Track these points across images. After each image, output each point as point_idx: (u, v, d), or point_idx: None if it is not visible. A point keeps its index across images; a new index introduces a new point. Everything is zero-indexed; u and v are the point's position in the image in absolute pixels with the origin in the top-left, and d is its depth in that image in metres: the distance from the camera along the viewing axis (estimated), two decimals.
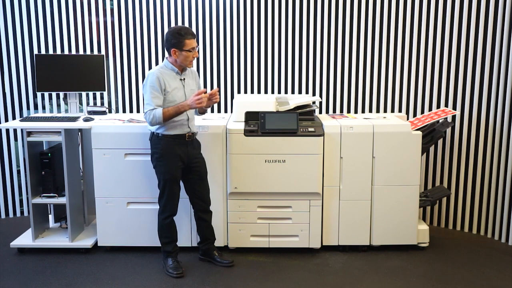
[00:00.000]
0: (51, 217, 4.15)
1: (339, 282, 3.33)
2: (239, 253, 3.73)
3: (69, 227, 3.75)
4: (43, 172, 3.76)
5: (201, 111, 3.50)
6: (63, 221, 4.04)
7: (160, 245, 3.51)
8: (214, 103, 3.34)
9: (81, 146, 3.97)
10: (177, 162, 3.34)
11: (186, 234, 3.74)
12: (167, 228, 3.43)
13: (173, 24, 4.48)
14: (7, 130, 4.56)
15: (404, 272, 3.47)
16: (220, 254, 3.60)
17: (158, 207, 3.49)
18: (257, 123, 3.64)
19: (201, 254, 3.65)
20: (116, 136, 3.65)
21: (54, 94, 4.53)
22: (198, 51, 3.49)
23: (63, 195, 3.75)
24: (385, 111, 4.45)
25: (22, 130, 3.68)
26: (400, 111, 4.42)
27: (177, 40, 3.23)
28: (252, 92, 4.55)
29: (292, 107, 3.77)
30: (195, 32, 3.37)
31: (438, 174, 4.36)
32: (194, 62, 4.49)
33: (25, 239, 3.83)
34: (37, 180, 3.77)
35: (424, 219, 4.40)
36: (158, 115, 3.20)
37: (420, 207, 3.82)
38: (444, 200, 4.34)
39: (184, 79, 3.36)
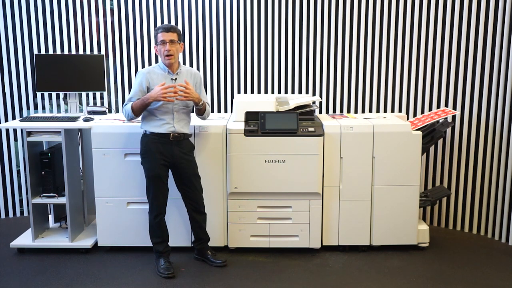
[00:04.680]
0: (51, 217, 4.15)
1: (339, 282, 3.33)
2: (239, 253, 3.73)
3: (69, 227, 3.75)
4: (43, 172, 3.76)
5: (199, 113, 3.45)
6: (63, 221, 4.04)
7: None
8: (187, 99, 3.28)
9: (81, 146, 3.97)
10: (160, 160, 3.34)
11: (184, 234, 3.74)
12: (157, 227, 3.44)
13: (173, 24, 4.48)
14: (7, 130, 4.56)
15: (404, 272, 3.47)
16: (213, 253, 3.60)
17: None
18: (257, 123, 3.64)
19: (195, 254, 3.66)
20: (116, 136, 3.65)
21: (54, 94, 4.53)
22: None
23: (63, 195, 3.75)
24: (385, 111, 4.45)
25: (22, 130, 3.68)
26: (400, 111, 4.42)
27: (154, 35, 3.36)
28: (252, 92, 4.55)
29: (292, 107, 3.77)
30: (181, 30, 3.33)
31: (438, 174, 4.36)
32: (193, 61, 4.51)
33: (25, 239, 3.83)
34: (37, 180, 3.77)
35: (424, 219, 4.40)
36: (128, 109, 3.30)
37: (420, 207, 3.82)
38: (444, 200, 4.34)
39: (175, 79, 3.36)
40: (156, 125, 3.33)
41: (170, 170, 3.47)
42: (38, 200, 3.75)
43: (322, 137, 3.61)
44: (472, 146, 4.18)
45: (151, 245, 3.56)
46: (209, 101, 3.78)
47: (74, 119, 3.79)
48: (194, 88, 3.41)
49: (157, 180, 3.37)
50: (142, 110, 3.29)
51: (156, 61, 4.52)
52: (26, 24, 4.47)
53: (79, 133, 3.93)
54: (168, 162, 3.38)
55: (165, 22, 4.47)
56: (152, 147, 3.34)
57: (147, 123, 3.37)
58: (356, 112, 4.50)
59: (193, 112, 3.53)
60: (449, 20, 4.15)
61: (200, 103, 3.35)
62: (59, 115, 4.08)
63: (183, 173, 3.43)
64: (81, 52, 4.52)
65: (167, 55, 3.29)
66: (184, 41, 4.50)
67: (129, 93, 4.55)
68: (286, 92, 4.51)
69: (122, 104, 4.58)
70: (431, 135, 3.85)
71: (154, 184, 3.38)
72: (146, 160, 3.38)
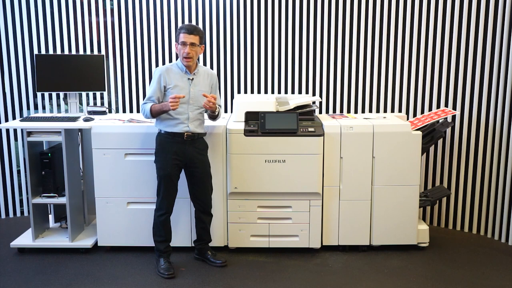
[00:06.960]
0: (51, 217, 4.15)
1: (339, 282, 3.33)
2: (239, 253, 3.73)
3: (69, 227, 3.75)
4: (43, 172, 3.76)
5: (211, 116, 3.46)
6: (63, 221, 4.04)
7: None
8: (212, 109, 3.33)
9: (81, 146, 3.97)
10: (173, 160, 3.35)
11: (186, 234, 3.75)
12: (161, 226, 3.44)
13: (173, 24, 4.48)
14: (7, 130, 4.56)
15: (404, 272, 3.47)
16: (213, 254, 3.60)
17: None
18: (257, 123, 3.64)
19: (195, 254, 3.66)
20: (116, 136, 3.65)
21: (54, 94, 4.53)
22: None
23: (63, 195, 3.76)
24: (385, 111, 4.46)
25: (22, 130, 3.68)
26: (400, 111, 4.42)
27: (177, 33, 3.35)
28: (252, 92, 4.55)
29: (292, 107, 3.77)
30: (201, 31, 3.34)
31: (438, 174, 4.36)
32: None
33: (25, 239, 3.83)
34: (37, 180, 3.77)
35: (424, 219, 4.40)
36: (146, 109, 3.33)
37: (420, 207, 3.82)
38: (444, 200, 4.34)
39: (192, 79, 3.38)
40: (171, 124, 3.34)
41: (183, 170, 3.47)
42: (38, 200, 3.75)
43: (322, 137, 3.61)
44: (472, 146, 4.18)
45: (152, 245, 3.57)
46: (222, 103, 3.76)
47: (74, 119, 3.80)
48: (210, 89, 3.45)
49: (167, 179, 3.38)
50: (160, 114, 3.33)
51: (157, 60, 4.53)
52: (26, 24, 4.47)
53: (79, 133, 3.93)
54: (181, 161, 3.39)
55: (165, 22, 4.47)
56: (166, 147, 3.36)
57: (162, 122, 3.38)
58: (356, 112, 4.50)
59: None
60: (449, 19, 4.15)
61: (216, 111, 3.40)
62: (59, 115, 4.08)
63: (195, 172, 3.44)
64: (81, 52, 4.52)
65: (186, 57, 3.30)
66: None
67: (129, 93, 4.58)
68: (286, 92, 4.51)
69: (121, 102, 4.59)
70: (431, 135, 3.85)
71: (164, 183, 3.39)
72: (158, 159, 3.40)
